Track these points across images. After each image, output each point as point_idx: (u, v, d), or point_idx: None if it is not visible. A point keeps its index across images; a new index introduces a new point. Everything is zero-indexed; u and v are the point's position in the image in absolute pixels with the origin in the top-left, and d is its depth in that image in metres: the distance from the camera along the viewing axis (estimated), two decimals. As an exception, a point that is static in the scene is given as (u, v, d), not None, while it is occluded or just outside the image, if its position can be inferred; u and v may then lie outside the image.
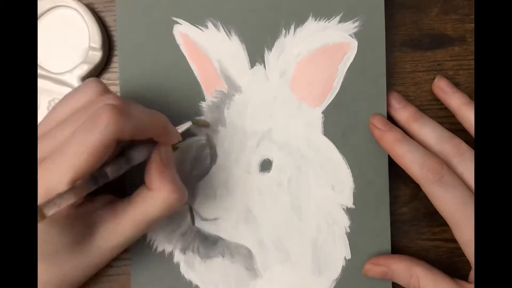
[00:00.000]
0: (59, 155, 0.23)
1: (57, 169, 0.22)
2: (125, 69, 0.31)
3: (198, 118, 0.31)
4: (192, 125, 0.29)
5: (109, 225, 0.26)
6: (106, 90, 0.26)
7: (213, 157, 0.31)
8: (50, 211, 0.21)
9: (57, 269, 0.26)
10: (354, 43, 0.31)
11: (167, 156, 0.26)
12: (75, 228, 0.25)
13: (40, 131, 0.25)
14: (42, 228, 0.23)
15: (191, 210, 0.31)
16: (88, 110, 0.24)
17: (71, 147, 0.23)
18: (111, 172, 0.24)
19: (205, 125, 0.31)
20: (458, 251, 0.32)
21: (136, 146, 0.26)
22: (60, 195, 0.22)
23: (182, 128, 0.28)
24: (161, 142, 0.26)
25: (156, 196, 0.26)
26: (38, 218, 0.21)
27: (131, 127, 0.23)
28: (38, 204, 0.22)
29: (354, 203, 0.31)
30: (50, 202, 0.22)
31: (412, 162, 0.28)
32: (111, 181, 0.24)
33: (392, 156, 0.29)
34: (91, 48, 0.31)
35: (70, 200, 0.22)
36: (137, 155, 0.25)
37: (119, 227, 0.26)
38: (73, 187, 0.22)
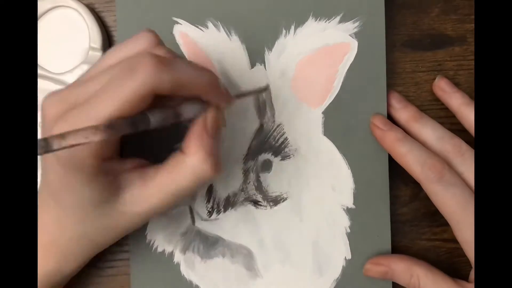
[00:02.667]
0: (94, 100, 0.22)
1: (90, 111, 0.22)
2: (125, 69, 0.31)
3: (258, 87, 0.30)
4: (254, 93, 0.28)
5: (135, 190, 0.25)
6: (159, 42, 0.24)
7: (213, 157, 0.31)
8: (72, 140, 0.20)
9: (80, 226, 0.25)
10: (354, 43, 0.31)
11: (214, 122, 0.25)
12: (99, 182, 0.24)
13: (86, 75, 0.25)
14: (65, 177, 0.23)
15: (191, 210, 0.31)
16: (130, 60, 0.23)
17: (105, 94, 0.22)
18: (154, 119, 0.22)
19: (265, 89, 0.30)
20: (458, 251, 0.32)
21: (188, 102, 0.24)
22: (91, 128, 0.21)
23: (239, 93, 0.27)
24: (211, 101, 0.25)
25: (187, 161, 0.24)
26: (58, 143, 0.20)
27: (171, 80, 0.22)
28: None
29: (354, 203, 0.31)
30: (77, 132, 0.20)
31: (413, 161, 0.28)
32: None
33: (393, 156, 0.29)
34: (91, 48, 0.31)
35: (100, 136, 0.20)
36: (186, 111, 0.24)
37: (144, 192, 0.25)
38: (108, 125, 0.21)
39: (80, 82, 0.24)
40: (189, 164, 0.24)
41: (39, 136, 0.20)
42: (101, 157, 0.23)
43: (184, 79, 0.23)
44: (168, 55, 0.23)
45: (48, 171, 0.24)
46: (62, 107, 0.23)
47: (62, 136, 0.20)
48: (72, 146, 0.20)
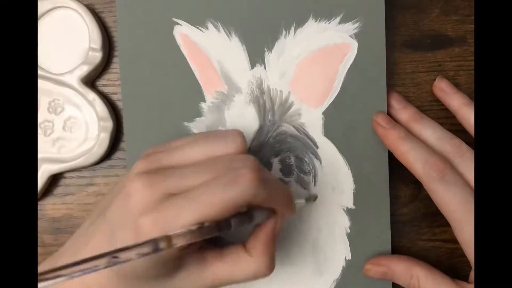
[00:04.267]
0: (192, 197, 0.22)
1: (186, 209, 0.22)
2: (125, 70, 0.31)
3: (309, 195, 0.31)
4: (305, 202, 0.30)
5: (192, 272, 0.25)
6: (245, 147, 0.25)
7: (214, 158, 0.31)
8: (178, 242, 0.21)
9: None
10: (354, 44, 0.31)
11: (279, 228, 0.26)
12: (165, 266, 0.24)
13: (168, 152, 0.25)
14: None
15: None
16: (228, 165, 0.23)
17: (206, 196, 0.22)
18: (234, 224, 0.23)
19: (315, 199, 0.31)
20: (458, 252, 0.32)
21: (259, 208, 0.25)
22: (189, 231, 0.21)
23: (296, 203, 0.28)
24: (279, 212, 0.26)
25: (251, 263, 0.25)
26: (166, 245, 0.21)
27: (265, 195, 0.23)
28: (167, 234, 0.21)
29: (354, 204, 0.31)
30: (180, 234, 0.21)
31: (415, 160, 0.28)
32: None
33: (395, 154, 0.29)
34: (91, 49, 0.31)
35: (192, 239, 0.21)
36: (259, 216, 0.25)
37: (200, 276, 0.25)
38: (200, 227, 0.22)
39: (174, 167, 0.24)
40: (252, 265, 0.25)
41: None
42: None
43: (274, 194, 0.24)
44: (257, 166, 0.24)
45: (117, 240, 0.23)
46: (154, 195, 0.23)
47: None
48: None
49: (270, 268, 0.25)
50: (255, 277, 0.25)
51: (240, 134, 0.25)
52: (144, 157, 0.25)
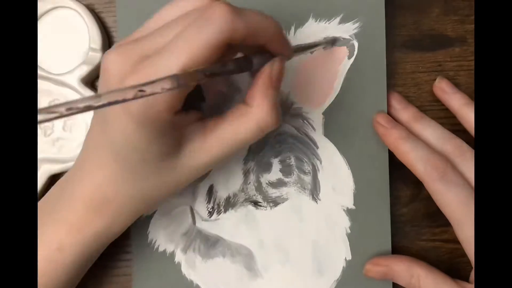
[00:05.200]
0: (167, 50, 0.22)
1: (163, 65, 0.21)
2: (125, 70, 0.31)
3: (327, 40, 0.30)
4: (323, 47, 0.28)
5: (196, 142, 0.24)
6: None
7: (214, 158, 0.31)
8: (150, 90, 0.20)
9: (141, 183, 0.25)
10: (355, 44, 0.31)
11: (279, 72, 0.25)
12: (166, 138, 0.23)
13: (143, 31, 0.24)
14: (135, 132, 0.23)
15: (192, 210, 0.31)
16: (199, 12, 0.23)
17: (180, 43, 0.21)
18: (230, 66, 0.22)
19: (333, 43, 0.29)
20: (458, 252, 0.32)
21: (257, 53, 0.24)
22: (169, 78, 0.20)
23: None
24: (274, 52, 0.25)
25: (252, 113, 0.24)
26: (133, 93, 0.19)
27: (244, 27, 0.22)
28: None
29: (354, 204, 0.31)
30: (154, 82, 0.20)
31: (416, 160, 0.28)
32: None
33: (395, 154, 0.29)
34: (91, 49, 0.31)
35: (178, 86, 0.20)
36: (257, 60, 0.24)
37: (205, 144, 0.24)
38: (187, 73, 0.21)
39: (143, 36, 0.23)
40: (253, 116, 0.24)
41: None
42: (174, 110, 0.23)
43: (256, 26, 0.23)
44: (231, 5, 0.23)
45: (113, 129, 0.23)
46: (129, 61, 0.22)
47: (138, 86, 0.19)
48: (149, 95, 0.19)
49: (272, 116, 0.24)
50: (260, 129, 0.24)
51: None
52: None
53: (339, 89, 0.31)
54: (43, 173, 0.31)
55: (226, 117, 0.25)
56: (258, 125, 0.24)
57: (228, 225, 0.31)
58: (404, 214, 0.33)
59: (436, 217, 0.32)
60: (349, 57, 0.31)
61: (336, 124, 0.31)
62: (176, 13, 0.23)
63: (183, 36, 0.22)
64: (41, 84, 0.31)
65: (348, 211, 0.31)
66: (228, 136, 0.25)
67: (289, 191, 0.31)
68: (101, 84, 0.24)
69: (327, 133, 0.31)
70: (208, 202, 0.31)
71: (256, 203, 0.31)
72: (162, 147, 0.23)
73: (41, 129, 0.31)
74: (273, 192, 0.31)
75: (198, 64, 0.21)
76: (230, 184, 0.31)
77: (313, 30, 0.31)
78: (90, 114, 0.32)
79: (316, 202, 0.31)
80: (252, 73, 0.25)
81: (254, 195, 0.31)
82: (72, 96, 0.31)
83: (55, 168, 0.31)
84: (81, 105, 0.19)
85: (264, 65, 0.24)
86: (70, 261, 0.26)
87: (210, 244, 0.31)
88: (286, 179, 0.31)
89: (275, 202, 0.31)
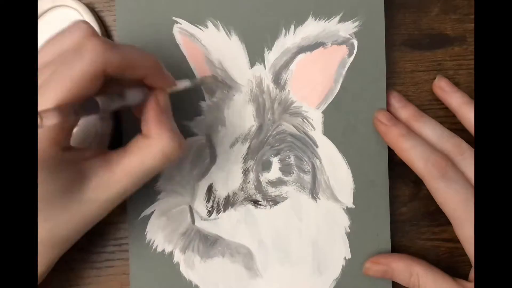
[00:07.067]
0: (42, 87, 0.22)
1: (40, 101, 0.22)
2: (125, 69, 0.31)
3: (200, 77, 0.30)
4: (190, 85, 0.28)
5: (101, 176, 0.25)
6: (94, 33, 0.24)
7: (213, 157, 0.31)
8: (48, 119, 0.20)
9: (47, 224, 0.25)
10: (354, 43, 0.31)
11: (165, 102, 0.26)
12: (62, 174, 0.24)
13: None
14: None
15: (191, 209, 0.31)
16: (73, 48, 0.23)
17: (54, 78, 0.22)
18: (102, 103, 0.23)
19: (208, 81, 0.30)
20: (457, 251, 0.32)
21: (132, 86, 0.25)
22: (45, 111, 0.20)
23: (180, 83, 0.27)
24: (155, 86, 0.25)
25: (153, 144, 0.25)
26: (39, 122, 0.20)
27: (118, 59, 0.23)
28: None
29: (354, 203, 0.31)
30: (47, 111, 0.20)
31: (417, 157, 0.28)
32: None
33: (396, 151, 0.29)
34: (91, 48, 0.31)
35: (51, 121, 0.20)
36: (131, 95, 0.24)
37: (112, 178, 0.25)
38: (58, 107, 0.21)
39: None
40: (156, 146, 0.25)
41: None
42: (60, 146, 0.23)
43: (131, 59, 0.24)
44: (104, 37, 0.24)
45: None
46: None
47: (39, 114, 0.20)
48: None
49: (174, 141, 0.25)
50: (166, 156, 0.25)
51: (83, 21, 0.25)
52: None
53: (338, 87, 0.31)
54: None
55: (130, 149, 0.26)
56: (163, 153, 0.25)
57: (228, 225, 0.31)
58: (403, 213, 0.33)
59: (435, 216, 0.32)
60: (349, 56, 0.31)
61: (336, 123, 0.31)
62: (56, 51, 0.24)
63: (57, 71, 0.22)
64: (41, 83, 0.31)
65: (348, 210, 0.31)
66: (136, 167, 0.25)
67: (289, 190, 0.31)
68: None
69: (327, 132, 0.31)
70: (208, 201, 0.31)
71: (255, 202, 0.31)
72: (57, 183, 0.24)
73: (40, 128, 0.31)
74: (273, 191, 0.31)
75: (77, 97, 0.22)
76: (229, 183, 0.31)
77: (312, 29, 0.31)
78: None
79: (316, 201, 0.31)
80: (135, 109, 0.26)
81: (254, 194, 0.31)
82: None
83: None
84: None
85: (144, 99, 0.25)
86: None
87: (209, 244, 0.31)
88: (285, 178, 0.31)
89: (274, 201, 0.31)
